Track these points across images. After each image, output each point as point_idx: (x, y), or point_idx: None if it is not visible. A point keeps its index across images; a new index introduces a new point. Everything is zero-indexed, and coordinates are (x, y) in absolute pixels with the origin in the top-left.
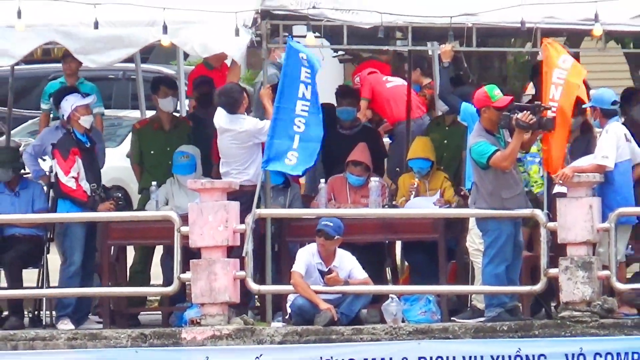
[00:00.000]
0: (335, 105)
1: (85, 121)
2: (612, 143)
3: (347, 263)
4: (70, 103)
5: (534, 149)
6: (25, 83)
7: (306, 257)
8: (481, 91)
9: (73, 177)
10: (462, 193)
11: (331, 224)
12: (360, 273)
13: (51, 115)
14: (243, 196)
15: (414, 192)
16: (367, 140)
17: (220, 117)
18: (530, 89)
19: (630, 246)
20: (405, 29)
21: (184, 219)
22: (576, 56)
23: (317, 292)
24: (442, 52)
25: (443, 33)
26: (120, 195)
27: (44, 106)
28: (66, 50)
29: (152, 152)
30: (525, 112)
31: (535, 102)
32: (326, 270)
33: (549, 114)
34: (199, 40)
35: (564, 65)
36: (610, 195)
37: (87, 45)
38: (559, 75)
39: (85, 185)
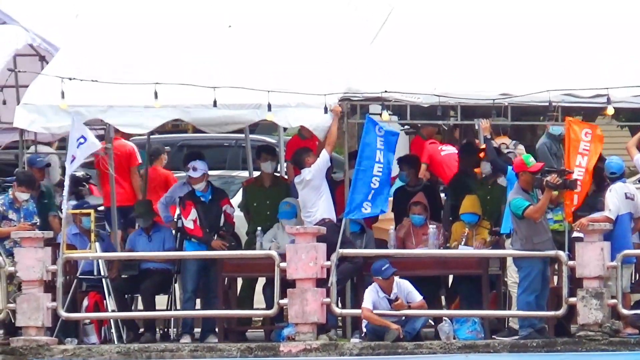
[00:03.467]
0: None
1: (198, 188)
2: (613, 200)
3: (404, 288)
4: (197, 167)
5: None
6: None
7: (371, 295)
8: (519, 159)
9: (192, 220)
10: (494, 230)
11: (384, 268)
12: (417, 296)
13: None
14: (324, 225)
15: (464, 239)
16: (428, 195)
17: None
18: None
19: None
20: (456, 107)
21: (282, 256)
22: None
23: (384, 316)
24: (482, 128)
25: (486, 111)
26: (228, 229)
27: None
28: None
29: (255, 204)
30: (553, 175)
31: (561, 168)
32: (392, 298)
33: (574, 176)
34: (293, 117)
35: (586, 137)
36: (613, 240)
37: (205, 121)
38: (584, 147)
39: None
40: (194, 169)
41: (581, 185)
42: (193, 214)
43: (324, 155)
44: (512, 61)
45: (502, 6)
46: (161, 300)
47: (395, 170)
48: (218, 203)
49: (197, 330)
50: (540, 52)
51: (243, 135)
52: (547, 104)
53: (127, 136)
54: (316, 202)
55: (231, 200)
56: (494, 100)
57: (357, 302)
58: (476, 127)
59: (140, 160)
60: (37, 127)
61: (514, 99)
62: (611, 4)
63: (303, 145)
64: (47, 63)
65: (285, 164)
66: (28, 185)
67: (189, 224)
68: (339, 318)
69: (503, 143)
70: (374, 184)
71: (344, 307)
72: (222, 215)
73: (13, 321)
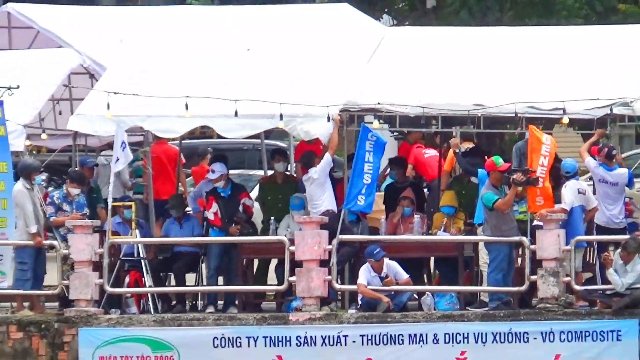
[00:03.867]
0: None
1: (218, 185)
2: (568, 194)
3: (393, 268)
4: (215, 169)
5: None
6: (190, 152)
7: (365, 273)
8: (490, 160)
9: (213, 212)
10: (468, 221)
11: (375, 252)
12: (403, 274)
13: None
14: (327, 215)
15: (443, 227)
16: (413, 191)
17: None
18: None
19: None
20: (437, 117)
21: (291, 241)
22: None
23: (377, 291)
24: (452, 144)
25: (462, 119)
26: (245, 217)
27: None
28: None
29: (269, 197)
30: (518, 174)
31: (525, 167)
32: (384, 277)
33: (537, 174)
34: (303, 129)
35: (547, 142)
36: (568, 228)
37: (227, 127)
38: (545, 150)
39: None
40: (212, 171)
41: (543, 183)
42: (214, 207)
43: (327, 157)
44: (484, 79)
45: (477, 34)
46: (190, 277)
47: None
48: (237, 197)
49: (221, 302)
50: (508, 71)
51: (259, 140)
52: (513, 114)
53: (165, 141)
54: (321, 196)
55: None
56: (469, 111)
57: (353, 280)
58: (454, 134)
59: (184, 161)
60: (87, 131)
61: (486, 110)
62: (566, 33)
63: (309, 149)
64: (96, 80)
65: (294, 165)
66: (79, 182)
67: (210, 215)
68: (339, 293)
69: (468, 147)
70: (366, 180)
71: (343, 283)
72: (241, 207)
73: (67, 295)
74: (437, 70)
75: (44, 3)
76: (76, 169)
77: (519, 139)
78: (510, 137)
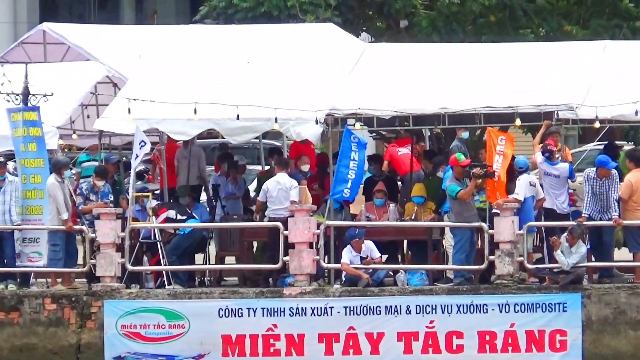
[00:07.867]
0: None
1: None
2: (521, 187)
3: (369, 247)
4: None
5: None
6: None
7: (347, 254)
8: (453, 156)
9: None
10: (438, 210)
11: (357, 232)
12: (377, 253)
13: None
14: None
15: (414, 214)
16: (388, 184)
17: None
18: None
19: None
20: (409, 118)
21: (285, 226)
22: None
23: (358, 269)
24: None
25: (430, 119)
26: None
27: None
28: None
29: None
30: (477, 168)
31: (483, 163)
32: (364, 257)
33: (493, 168)
34: (295, 130)
35: (501, 143)
36: (520, 215)
37: (231, 131)
38: (499, 150)
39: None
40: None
41: (499, 177)
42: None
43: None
44: (449, 87)
45: (443, 49)
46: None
47: None
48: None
49: (230, 279)
50: (469, 81)
51: (257, 140)
52: (474, 111)
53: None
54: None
55: (249, 187)
56: (434, 112)
57: (338, 259)
58: (423, 133)
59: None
60: (111, 131)
61: (449, 111)
62: (519, 49)
63: (301, 148)
64: (119, 89)
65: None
66: (102, 176)
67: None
68: (326, 270)
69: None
70: (351, 175)
71: (329, 262)
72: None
73: (94, 272)
74: (409, 79)
75: (73, 22)
76: (101, 164)
77: (478, 136)
78: (472, 137)
